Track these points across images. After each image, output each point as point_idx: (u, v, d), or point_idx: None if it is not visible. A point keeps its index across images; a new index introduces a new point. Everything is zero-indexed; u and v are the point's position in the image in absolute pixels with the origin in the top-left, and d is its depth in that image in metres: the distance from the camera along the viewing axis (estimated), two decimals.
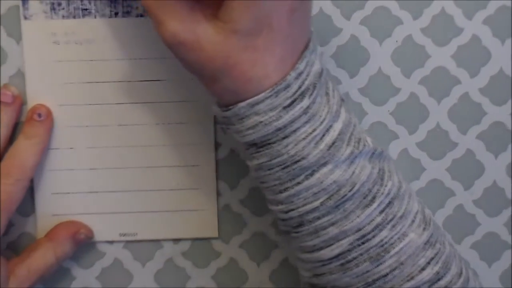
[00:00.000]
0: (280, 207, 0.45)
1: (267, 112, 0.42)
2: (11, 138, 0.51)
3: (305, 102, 0.43)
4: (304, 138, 0.43)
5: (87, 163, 0.53)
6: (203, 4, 0.42)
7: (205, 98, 0.52)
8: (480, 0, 0.53)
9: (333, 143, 0.43)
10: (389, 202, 0.45)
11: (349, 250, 0.44)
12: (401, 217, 0.45)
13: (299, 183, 0.44)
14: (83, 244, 0.53)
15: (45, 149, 0.51)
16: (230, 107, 0.43)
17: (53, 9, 0.51)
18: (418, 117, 0.54)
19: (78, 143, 0.53)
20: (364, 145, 0.45)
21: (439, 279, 0.45)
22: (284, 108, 0.42)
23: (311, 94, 0.43)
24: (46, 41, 0.51)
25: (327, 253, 0.45)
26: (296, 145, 0.43)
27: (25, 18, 0.51)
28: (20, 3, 0.51)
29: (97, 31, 0.51)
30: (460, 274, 0.46)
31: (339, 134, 0.44)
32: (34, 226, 0.54)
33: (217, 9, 0.41)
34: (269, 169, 0.44)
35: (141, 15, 0.51)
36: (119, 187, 0.53)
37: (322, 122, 0.43)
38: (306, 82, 0.43)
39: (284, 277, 0.56)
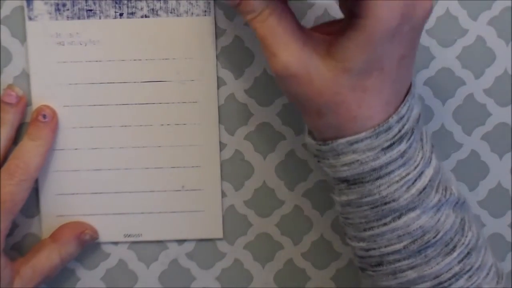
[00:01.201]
0: (362, 244, 0.45)
1: (365, 151, 0.43)
2: (16, 138, 0.51)
3: (403, 146, 0.43)
4: (397, 181, 0.43)
5: (92, 164, 0.53)
6: (316, 41, 0.42)
7: (209, 99, 0.52)
8: (485, 1, 0.53)
9: (423, 189, 0.44)
10: (468, 253, 0.45)
11: None
12: (477, 268, 0.45)
13: (385, 224, 0.44)
14: (88, 245, 0.53)
15: (49, 150, 0.51)
16: (328, 142, 0.43)
17: (57, 10, 0.51)
18: (423, 118, 0.54)
19: (82, 144, 0.53)
20: (451, 193, 0.45)
21: None
22: (383, 149, 0.43)
23: (409, 139, 0.43)
24: (50, 42, 0.51)
25: None
26: (388, 187, 0.43)
27: (30, 18, 0.51)
28: (24, 3, 0.51)
29: (102, 32, 0.51)
30: None
31: (429, 181, 0.44)
32: (39, 227, 0.54)
33: (329, 46, 0.42)
34: (357, 207, 0.44)
35: (146, 16, 0.51)
36: (124, 188, 0.53)
37: (416, 167, 0.44)
38: (406, 127, 0.43)
39: (289, 278, 0.56)
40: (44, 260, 0.51)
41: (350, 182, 0.44)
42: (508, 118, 0.54)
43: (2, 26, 0.51)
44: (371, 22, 0.40)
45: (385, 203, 0.43)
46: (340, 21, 0.45)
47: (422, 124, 0.45)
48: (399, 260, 0.44)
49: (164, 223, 0.54)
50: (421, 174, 0.44)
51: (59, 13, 0.51)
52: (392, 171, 0.43)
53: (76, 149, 0.53)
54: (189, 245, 0.55)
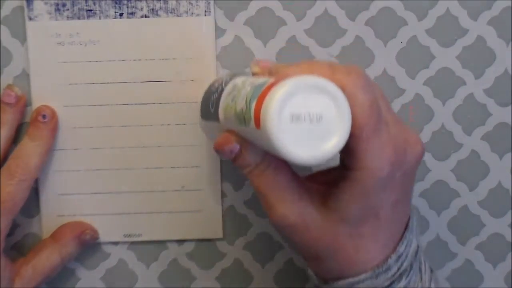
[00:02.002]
0: None
1: None
2: (16, 138, 0.51)
3: (402, 282, 0.43)
4: None
5: (92, 164, 0.53)
6: (312, 192, 0.43)
7: None
8: (485, 1, 0.53)
9: None
10: None
11: None
12: None
13: None
14: (88, 245, 0.53)
15: (49, 150, 0.51)
16: (329, 282, 0.43)
17: (57, 10, 0.51)
18: (423, 118, 0.54)
19: (83, 144, 0.53)
20: None
21: None
22: None
23: (408, 275, 0.44)
24: (50, 42, 0.51)
25: None
26: None
27: (30, 19, 0.51)
28: (24, 3, 0.51)
29: (102, 32, 0.51)
30: None
31: None
32: (39, 227, 0.54)
33: (324, 197, 0.42)
34: None
35: (146, 16, 0.51)
36: (124, 188, 0.53)
37: None
38: (405, 264, 0.43)
39: (289, 278, 0.56)
40: (45, 260, 0.51)
41: None
42: (508, 118, 0.54)
43: (2, 26, 0.51)
44: (363, 174, 0.40)
45: None
46: (334, 169, 0.45)
47: (421, 254, 0.46)
48: None
49: (164, 223, 0.54)
50: None
51: (59, 13, 0.51)
52: None
53: (76, 149, 0.53)
54: (189, 245, 0.55)
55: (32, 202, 0.53)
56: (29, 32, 0.51)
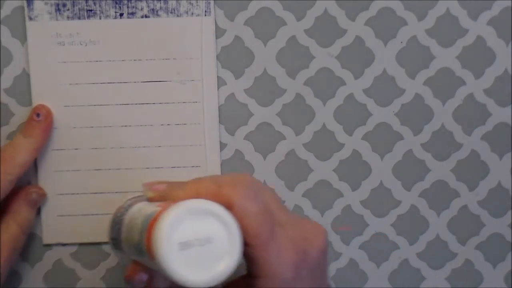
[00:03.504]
0: None
1: None
2: None
3: None
4: None
5: (92, 163, 0.53)
6: None
7: (209, 99, 0.53)
8: (485, 1, 0.53)
9: None
10: None
11: None
12: None
13: None
14: (88, 245, 0.53)
15: (40, 149, 0.51)
16: None
17: (57, 10, 0.51)
18: (423, 118, 0.54)
19: (83, 144, 0.53)
20: None
21: None
22: None
23: None
24: (51, 42, 0.51)
25: None
26: None
27: (30, 19, 0.51)
28: (25, 3, 0.51)
29: (102, 32, 0.51)
30: None
31: None
32: (39, 227, 0.53)
33: None
34: None
35: (146, 16, 0.51)
36: (124, 187, 0.53)
37: None
38: None
39: None
40: (4, 234, 0.50)
41: None
42: (508, 118, 0.54)
43: (2, 26, 0.51)
44: (267, 281, 0.41)
45: None
46: (245, 277, 0.44)
47: None
48: None
49: None
50: None
51: (59, 13, 0.51)
52: None
53: (76, 149, 0.53)
54: None
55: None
56: (29, 32, 0.51)
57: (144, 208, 0.42)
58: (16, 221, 0.51)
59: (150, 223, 0.39)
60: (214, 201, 0.39)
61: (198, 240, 0.38)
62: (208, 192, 0.40)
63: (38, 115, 0.51)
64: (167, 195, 0.42)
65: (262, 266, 0.40)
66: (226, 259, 0.38)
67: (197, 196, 0.40)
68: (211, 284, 0.38)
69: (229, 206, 0.40)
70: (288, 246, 0.41)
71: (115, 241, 0.45)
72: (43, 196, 0.53)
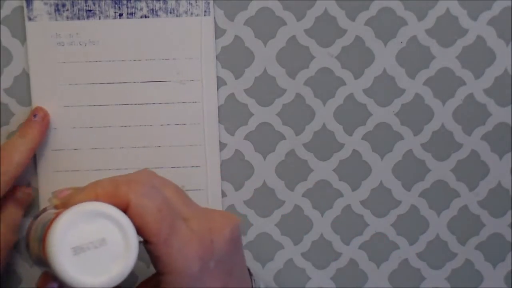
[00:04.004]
0: None
1: None
2: None
3: None
4: None
5: (92, 164, 0.53)
6: None
7: (209, 99, 0.53)
8: (485, 1, 0.53)
9: None
10: None
11: None
12: None
13: None
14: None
15: (35, 149, 0.51)
16: None
17: (57, 10, 0.51)
18: (423, 118, 0.54)
19: (82, 144, 0.53)
20: None
21: None
22: None
23: None
24: (50, 42, 0.51)
25: None
26: None
27: (30, 19, 0.51)
28: (24, 4, 0.51)
29: (101, 32, 0.51)
30: None
31: None
32: None
33: None
34: None
35: (145, 16, 0.51)
36: None
37: None
38: None
39: (289, 278, 0.56)
40: None
41: None
42: (508, 118, 0.54)
43: (2, 26, 0.51)
44: (173, 277, 0.40)
45: None
46: (155, 276, 0.44)
47: None
48: None
49: None
50: None
51: (59, 14, 0.51)
52: None
53: (76, 149, 0.53)
54: None
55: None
56: (28, 32, 0.51)
57: (44, 217, 0.42)
58: (5, 220, 0.51)
59: (45, 231, 0.38)
60: (112, 201, 0.39)
61: (92, 243, 0.37)
62: (106, 193, 0.39)
63: (35, 115, 0.51)
64: (69, 201, 0.41)
65: (166, 262, 0.40)
66: (122, 261, 0.38)
67: (96, 198, 0.39)
68: (108, 286, 0.38)
69: (126, 205, 0.39)
70: (192, 239, 0.41)
71: (28, 251, 0.45)
72: (29, 196, 0.53)
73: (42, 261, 0.40)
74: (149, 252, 0.40)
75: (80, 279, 0.37)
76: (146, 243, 0.40)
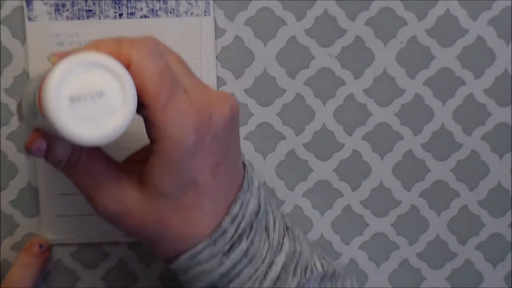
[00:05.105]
0: None
1: (208, 260, 0.42)
2: None
3: (244, 244, 0.43)
4: (248, 279, 0.43)
5: None
6: (129, 173, 0.42)
7: None
8: (485, 1, 0.53)
9: (277, 278, 0.43)
10: None
11: None
12: None
13: None
14: (88, 245, 0.53)
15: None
16: (173, 260, 0.43)
17: (57, 10, 0.51)
18: (423, 118, 0.54)
19: None
20: (312, 271, 0.45)
21: None
22: (224, 254, 0.42)
23: (248, 235, 0.43)
24: (50, 42, 0.51)
25: None
26: (241, 287, 0.43)
27: (30, 19, 0.51)
28: (24, 4, 0.51)
29: (101, 33, 0.51)
30: None
31: (282, 267, 0.44)
32: (39, 227, 0.54)
33: (140, 176, 0.41)
34: None
35: (145, 16, 0.51)
36: None
37: (263, 260, 0.43)
38: (242, 224, 0.43)
39: None
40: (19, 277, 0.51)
41: None
42: (508, 118, 0.54)
43: (2, 26, 0.51)
44: (167, 145, 0.39)
45: None
46: (148, 146, 0.43)
47: (267, 210, 0.45)
48: None
49: None
50: (271, 264, 0.44)
51: (59, 14, 0.51)
52: (241, 272, 0.43)
53: None
54: None
55: (32, 202, 0.53)
56: (28, 32, 0.51)
57: (41, 74, 0.40)
58: (25, 274, 0.52)
59: (42, 80, 0.37)
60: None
61: (89, 94, 0.36)
62: (108, 51, 0.38)
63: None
64: (68, 56, 0.40)
65: (160, 128, 0.38)
66: (119, 116, 0.36)
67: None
68: (105, 141, 0.36)
69: (127, 65, 0.38)
70: (190, 109, 0.39)
71: (19, 113, 0.43)
72: (45, 245, 0.53)
73: (35, 113, 0.38)
74: (145, 118, 0.39)
75: (74, 130, 0.35)
76: (142, 109, 0.38)
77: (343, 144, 0.54)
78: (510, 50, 0.53)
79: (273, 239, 0.44)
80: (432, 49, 0.53)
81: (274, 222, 0.45)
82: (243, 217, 0.43)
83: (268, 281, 0.43)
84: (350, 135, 0.54)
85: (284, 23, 0.53)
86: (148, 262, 0.55)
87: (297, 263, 0.45)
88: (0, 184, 0.53)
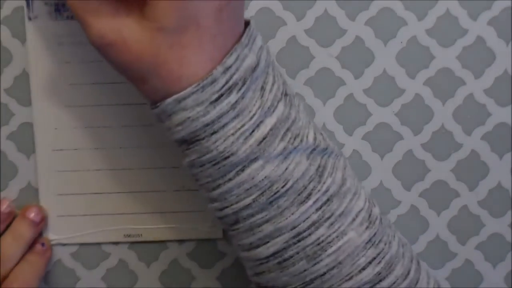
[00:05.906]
0: (215, 204, 0.44)
1: (194, 107, 0.42)
2: None
3: (233, 97, 0.42)
4: (232, 134, 0.42)
5: (92, 164, 0.53)
6: (129, 3, 0.42)
7: None
8: (485, 1, 0.53)
9: (263, 139, 0.43)
10: (327, 200, 0.44)
11: (284, 249, 0.44)
12: (340, 215, 0.44)
13: (230, 179, 0.43)
14: (88, 245, 0.53)
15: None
16: (158, 104, 0.42)
17: (57, 10, 0.51)
18: (422, 118, 0.54)
19: (83, 144, 0.53)
20: (301, 140, 0.44)
21: (380, 280, 0.44)
22: (211, 103, 0.42)
23: (239, 89, 0.42)
24: (50, 42, 0.51)
25: (263, 251, 0.44)
26: (224, 141, 0.42)
27: (30, 19, 0.51)
28: (24, 4, 0.51)
29: None
30: (406, 275, 0.45)
31: (271, 129, 0.43)
32: None
33: (142, 7, 0.41)
34: (200, 166, 0.43)
35: None
36: (124, 188, 0.53)
37: (252, 118, 0.42)
38: (235, 77, 0.42)
39: None
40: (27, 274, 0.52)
41: (188, 141, 0.43)
42: (508, 118, 0.54)
43: (2, 26, 0.51)
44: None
45: (225, 158, 0.42)
46: None
47: (264, 73, 0.43)
48: (252, 215, 0.43)
49: (164, 223, 0.54)
50: (259, 124, 0.43)
51: (59, 13, 0.51)
52: (226, 124, 0.42)
53: (76, 149, 0.53)
54: (189, 245, 0.55)
55: (32, 202, 0.53)
56: (28, 32, 0.51)
57: None
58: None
59: None
60: None
61: None
62: None
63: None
64: None
65: None
66: None
67: None
68: None
69: None
70: None
71: None
72: (45, 245, 0.53)
73: None
74: None
75: None
76: None
77: (343, 144, 0.54)
78: (510, 50, 0.53)
79: (266, 100, 0.43)
80: (432, 49, 0.53)
81: (273, 84, 0.44)
82: (236, 70, 0.42)
83: (253, 140, 0.42)
84: (350, 135, 0.54)
85: (284, 23, 0.53)
86: (148, 262, 0.55)
87: (287, 129, 0.44)
88: (0, 184, 0.53)
